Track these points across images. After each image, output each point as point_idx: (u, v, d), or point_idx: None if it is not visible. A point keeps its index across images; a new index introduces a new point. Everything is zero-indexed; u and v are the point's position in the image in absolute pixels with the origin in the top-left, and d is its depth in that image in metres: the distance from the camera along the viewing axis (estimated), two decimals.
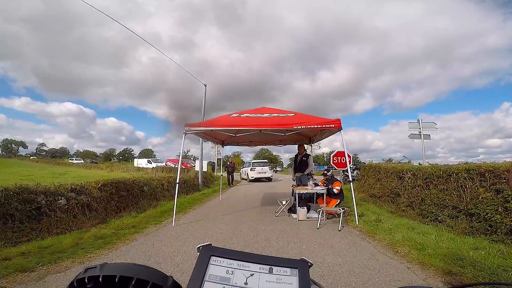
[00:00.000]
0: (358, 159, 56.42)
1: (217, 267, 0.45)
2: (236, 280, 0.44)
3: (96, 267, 0.38)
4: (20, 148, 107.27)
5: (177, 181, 6.68)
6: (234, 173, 19.08)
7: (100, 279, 0.37)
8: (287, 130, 7.40)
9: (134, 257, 4.21)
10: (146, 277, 0.38)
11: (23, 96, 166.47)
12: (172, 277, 0.40)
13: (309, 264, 0.48)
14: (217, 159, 20.26)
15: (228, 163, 19.24)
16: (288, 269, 0.46)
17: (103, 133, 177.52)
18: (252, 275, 0.45)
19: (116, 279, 0.37)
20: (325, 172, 7.82)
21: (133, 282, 0.37)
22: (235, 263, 0.46)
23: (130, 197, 8.33)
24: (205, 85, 15.79)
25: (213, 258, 0.46)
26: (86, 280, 0.37)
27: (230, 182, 17.96)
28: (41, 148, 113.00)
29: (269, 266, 0.46)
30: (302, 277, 0.45)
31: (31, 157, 75.97)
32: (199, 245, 0.48)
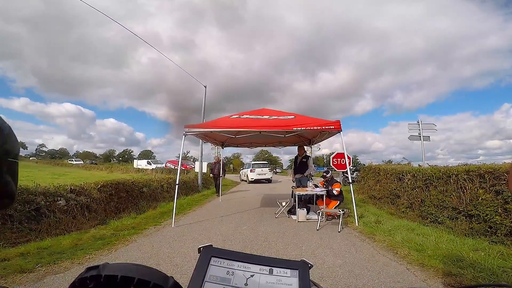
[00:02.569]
0: (358, 160, 56.40)
1: (218, 267, 0.45)
2: (236, 281, 0.44)
3: (97, 267, 0.38)
4: (20, 149, 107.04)
5: (177, 183, 6.68)
6: (221, 177, 13.11)
7: (102, 279, 0.37)
8: (287, 131, 7.41)
9: (134, 258, 4.21)
10: (147, 277, 0.38)
11: (22, 96, 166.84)
12: (172, 277, 0.40)
13: (309, 265, 0.48)
14: None
15: (214, 162, 13.73)
16: (288, 270, 0.46)
17: (103, 134, 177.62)
18: (252, 276, 0.45)
19: (118, 279, 0.37)
20: (324, 174, 7.82)
21: (134, 282, 0.37)
22: (235, 264, 0.46)
23: (129, 198, 8.32)
24: (205, 86, 15.81)
25: (213, 259, 0.46)
26: (87, 280, 0.37)
27: (217, 189, 12.81)
28: (41, 149, 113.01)
29: (269, 267, 0.46)
30: (302, 278, 0.45)
31: (31, 158, 75.93)
32: (199, 246, 0.48)
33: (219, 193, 12.17)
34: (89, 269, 0.39)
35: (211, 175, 14.40)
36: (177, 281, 0.40)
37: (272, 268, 0.46)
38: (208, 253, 0.47)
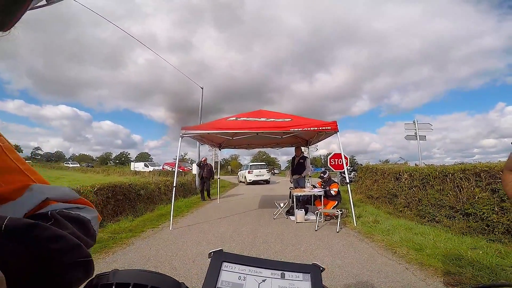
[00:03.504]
0: (356, 160, 56.65)
1: (229, 273, 0.45)
2: (249, 286, 0.43)
3: (107, 274, 0.38)
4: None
5: (174, 185, 6.67)
6: (210, 180, 12.02)
7: (113, 287, 0.36)
8: (284, 132, 7.41)
9: (132, 261, 4.18)
10: (160, 285, 0.37)
11: (17, 98, 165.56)
12: (184, 283, 0.40)
13: (321, 269, 0.47)
14: (215, 162, 18.69)
15: (202, 163, 12.04)
16: (301, 274, 0.45)
17: (99, 137, 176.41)
18: (264, 280, 0.44)
19: (130, 287, 0.36)
20: (322, 174, 7.85)
21: None
22: (247, 269, 0.45)
23: (126, 201, 8.27)
24: (202, 88, 15.79)
25: (224, 264, 0.46)
26: None
27: (203, 194, 11.72)
28: (36, 152, 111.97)
29: (281, 272, 0.46)
30: (314, 282, 0.44)
31: (26, 161, 74.93)
32: (210, 251, 0.47)
33: (207, 198, 11.59)
34: (99, 276, 0.38)
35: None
36: (189, 287, 0.40)
37: (284, 272, 0.45)
38: (219, 258, 0.46)
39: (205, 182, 11.74)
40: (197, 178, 15.17)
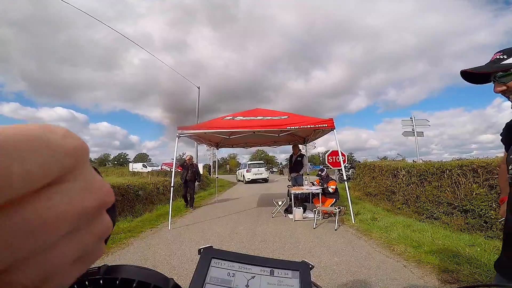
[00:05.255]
0: (353, 157, 56.75)
1: (218, 269, 0.44)
2: (237, 282, 0.43)
3: (96, 269, 0.38)
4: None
5: (172, 185, 6.66)
6: (195, 183, 9.82)
7: (101, 281, 0.36)
8: (281, 131, 7.42)
9: (130, 261, 4.16)
10: (148, 279, 0.37)
11: (12, 101, 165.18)
12: (173, 279, 0.40)
13: (310, 266, 0.47)
14: (213, 161, 18.50)
15: (185, 163, 9.55)
16: (289, 272, 0.45)
17: (96, 138, 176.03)
18: (253, 277, 0.44)
19: (118, 281, 0.36)
20: (319, 172, 7.86)
21: (134, 285, 0.36)
22: (236, 266, 0.45)
23: (125, 201, 8.25)
24: (199, 88, 15.80)
25: (214, 260, 0.46)
26: (86, 283, 0.36)
27: (187, 201, 9.51)
28: None
29: (270, 269, 0.45)
30: (303, 279, 0.44)
31: None
32: (200, 247, 0.47)
33: (191, 205, 9.41)
34: (88, 271, 0.38)
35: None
36: (178, 282, 0.40)
37: (273, 269, 0.45)
38: (208, 255, 0.46)
39: (188, 186, 9.45)
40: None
